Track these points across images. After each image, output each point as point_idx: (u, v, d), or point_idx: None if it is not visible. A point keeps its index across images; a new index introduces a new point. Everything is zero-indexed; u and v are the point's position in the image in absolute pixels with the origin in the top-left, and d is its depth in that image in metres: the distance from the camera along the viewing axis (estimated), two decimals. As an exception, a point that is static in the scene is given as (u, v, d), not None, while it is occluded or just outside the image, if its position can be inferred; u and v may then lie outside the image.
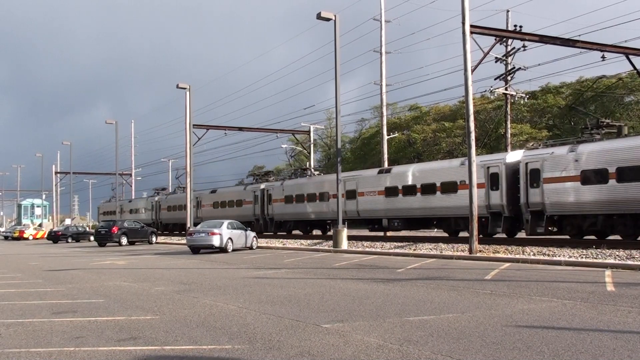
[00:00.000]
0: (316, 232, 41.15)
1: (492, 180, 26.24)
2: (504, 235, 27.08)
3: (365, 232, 35.26)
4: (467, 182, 21.89)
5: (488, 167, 26.46)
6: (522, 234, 26.98)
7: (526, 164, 25.20)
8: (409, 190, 30.45)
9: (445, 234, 30.90)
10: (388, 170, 32.98)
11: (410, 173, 30.96)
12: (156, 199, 61.33)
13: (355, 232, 34.94)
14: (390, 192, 31.53)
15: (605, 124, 25.76)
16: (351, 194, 33.81)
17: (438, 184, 28.75)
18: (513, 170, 25.94)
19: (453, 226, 29.51)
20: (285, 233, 40.73)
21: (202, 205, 50.87)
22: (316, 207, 37.20)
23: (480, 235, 23.89)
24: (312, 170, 42.77)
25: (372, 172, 34.70)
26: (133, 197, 73.09)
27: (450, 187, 28.16)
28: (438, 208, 28.93)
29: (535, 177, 24.74)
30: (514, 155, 26.79)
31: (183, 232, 45.21)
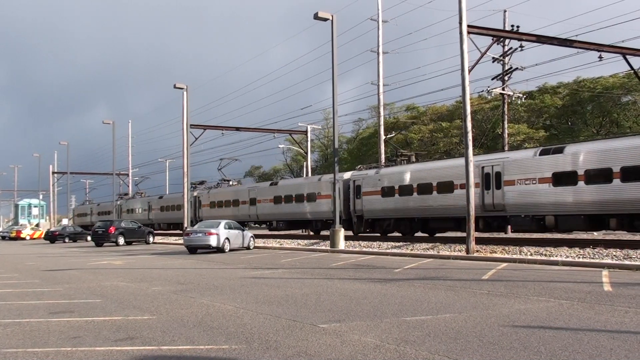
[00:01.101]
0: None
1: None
2: (503, 235, 27.56)
3: (362, 233, 35.30)
4: (322, 193, 36.23)
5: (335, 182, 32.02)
6: (515, 235, 27.04)
7: (353, 181, 34.58)
8: (288, 199, 40.13)
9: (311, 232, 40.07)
10: (275, 184, 44.63)
11: (289, 185, 41.95)
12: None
13: (350, 234, 35.02)
14: (277, 200, 41.26)
15: (400, 153, 36.27)
16: (253, 201, 44.29)
17: (305, 194, 38.45)
18: (346, 186, 34.77)
19: (314, 226, 39.10)
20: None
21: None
22: (234, 211, 46.47)
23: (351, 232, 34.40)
24: (233, 181, 52.58)
25: (266, 184, 46.73)
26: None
27: (310, 197, 37.98)
28: (302, 213, 38.72)
29: (358, 191, 33.96)
30: (347, 175, 36.01)
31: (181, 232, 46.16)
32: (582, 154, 23.35)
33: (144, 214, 61.42)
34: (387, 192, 31.96)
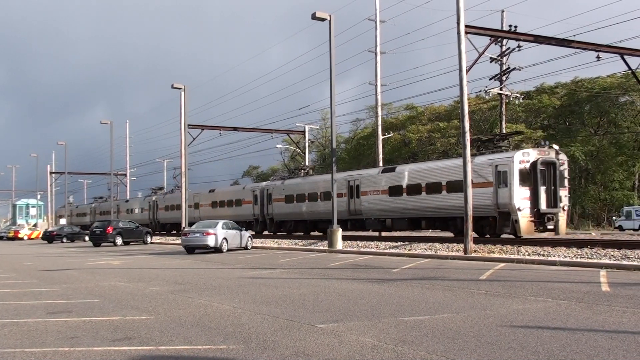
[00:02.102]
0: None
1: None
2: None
3: (361, 233, 35.42)
4: (245, 199, 45.21)
5: (253, 190, 44.93)
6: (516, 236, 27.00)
7: (267, 189, 42.58)
8: (222, 204, 48.67)
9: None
10: (213, 190, 52.01)
11: (224, 192, 50.20)
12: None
13: (350, 233, 35.04)
14: (214, 205, 49.60)
15: (300, 167, 44.50)
16: (197, 205, 51.72)
17: (234, 200, 46.76)
18: (262, 193, 42.99)
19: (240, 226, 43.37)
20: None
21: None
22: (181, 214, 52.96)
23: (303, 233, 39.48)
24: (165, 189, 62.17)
25: (206, 190, 53.88)
26: (127, 198, 72.93)
27: (237, 203, 45.98)
28: (233, 215, 43.05)
29: (270, 198, 41.95)
30: (264, 184, 44.83)
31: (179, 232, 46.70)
32: (405, 173, 31.35)
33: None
34: (288, 199, 40.16)
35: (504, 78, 36.67)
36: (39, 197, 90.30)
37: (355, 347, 6.98)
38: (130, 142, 76.93)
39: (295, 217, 39.93)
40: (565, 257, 18.55)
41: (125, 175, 76.15)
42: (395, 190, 31.55)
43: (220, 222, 28.55)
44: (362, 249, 25.92)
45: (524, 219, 25.64)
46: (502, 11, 36.39)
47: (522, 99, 40.57)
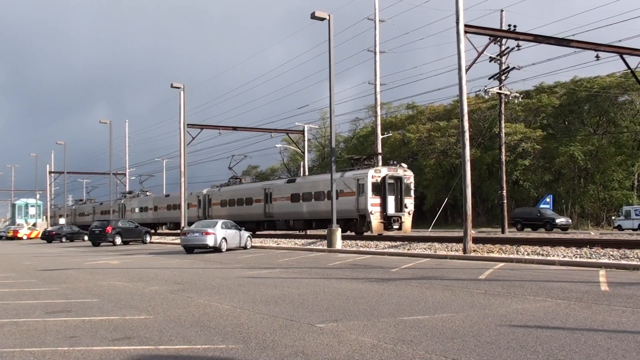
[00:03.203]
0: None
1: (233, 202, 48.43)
2: (501, 235, 28.12)
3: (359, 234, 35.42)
4: (193, 203, 51.97)
5: (198, 195, 52.98)
6: (513, 235, 27.09)
7: (208, 195, 51.15)
8: (170, 207, 57.33)
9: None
10: (168, 195, 59.89)
11: (172, 197, 57.08)
12: (205, 191, 62.22)
13: (350, 232, 35.08)
14: (169, 207, 57.98)
15: (234, 176, 51.42)
16: (155, 208, 61.64)
17: (178, 204, 49.99)
18: (204, 198, 51.43)
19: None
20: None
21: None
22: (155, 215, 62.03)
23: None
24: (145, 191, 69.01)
25: (162, 195, 62.71)
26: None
27: (177, 207, 49.80)
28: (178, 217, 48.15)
29: (210, 202, 50.19)
30: (205, 190, 52.31)
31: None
32: (302, 183, 40.36)
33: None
34: (223, 203, 48.39)
35: (503, 77, 36.70)
36: (38, 196, 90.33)
37: (354, 347, 6.98)
38: (130, 141, 77.05)
39: (233, 219, 44.79)
40: (564, 256, 18.56)
41: (125, 174, 76.10)
42: (295, 197, 40.11)
43: (220, 222, 28.54)
44: (361, 249, 25.93)
45: (375, 220, 33.78)
46: (502, 11, 36.41)
47: (521, 98, 40.62)
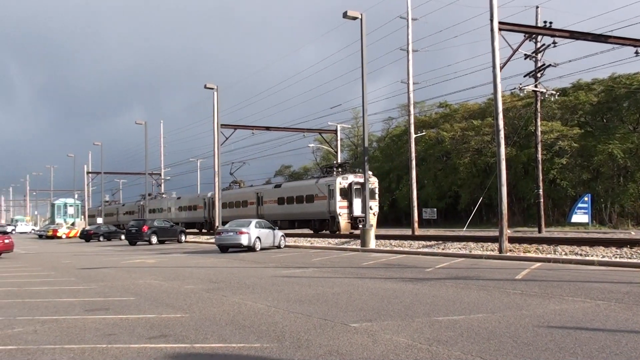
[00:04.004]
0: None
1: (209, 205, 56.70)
2: (537, 235, 27.66)
3: (393, 232, 35.33)
4: (183, 205, 64.24)
5: (203, 198, 59.48)
6: (549, 234, 26.65)
7: (210, 197, 55.04)
8: (185, 208, 63.82)
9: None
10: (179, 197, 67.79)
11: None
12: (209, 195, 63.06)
13: (383, 232, 34.95)
14: (183, 208, 64.51)
15: (234, 181, 57.34)
16: (159, 210, 68.63)
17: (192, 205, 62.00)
18: (208, 200, 56.50)
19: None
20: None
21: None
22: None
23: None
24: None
25: (129, 203, 75.34)
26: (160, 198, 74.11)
27: (190, 208, 61.84)
28: (180, 219, 59.42)
29: (213, 204, 48.30)
30: (209, 194, 56.20)
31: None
32: (286, 188, 47.00)
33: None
34: (224, 205, 49.93)
35: (538, 75, 36.08)
36: (76, 196, 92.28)
37: (389, 347, 6.95)
38: (165, 142, 77.93)
39: (229, 219, 49.48)
40: (603, 256, 18.18)
41: (160, 174, 77.17)
42: (281, 201, 46.34)
43: (254, 221, 28.71)
44: (395, 248, 25.80)
45: (343, 220, 39.70)
46: (537, 7, 35.78)
47: (558, 95, 39.87)
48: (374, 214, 39.68)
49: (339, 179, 39.94)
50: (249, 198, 51.36)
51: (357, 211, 39.73)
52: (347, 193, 39.92)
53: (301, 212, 43.35)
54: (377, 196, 41.68)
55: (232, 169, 56.35)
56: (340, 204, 39.62)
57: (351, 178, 40.40)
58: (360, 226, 37.11)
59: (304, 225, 44.17)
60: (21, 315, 10.20)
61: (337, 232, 39.27)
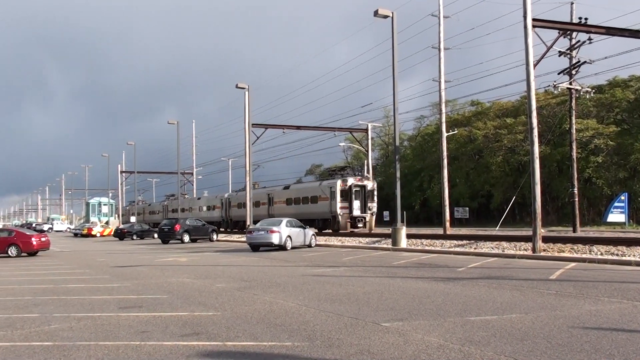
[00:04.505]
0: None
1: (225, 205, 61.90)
2: (572, 234, 27.22)
3: (425, 231, 35.05)
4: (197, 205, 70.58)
5: (221, 198, 63.64)
6: (585, 234, 26.15)
7: (228, 198, 61.35)
8: (206, 208, 68.10)
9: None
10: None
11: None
12: (226, 195, 63.77)
13: (415, 231, 34.70)
14: (204, 208, 68.34)
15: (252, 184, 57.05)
16: (179, 210, 68.84)
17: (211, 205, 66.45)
18: (225, 201, 61.57)
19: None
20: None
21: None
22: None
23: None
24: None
25: (154, 204, 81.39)
26: (195, 196, 74.97)
27: (209, 208, 66.29)
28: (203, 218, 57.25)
29: (230, 204, 60.33)
30: (226, 195, 62.44)
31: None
32: (295, 190, 49.76)
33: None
34: (239, 205, 56.06)
35: (573, 72, 35.41)
36: (110, 195, 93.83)
37: (420, 347, 6.90)
38: (197, 141, 78.73)
39: (241, 218, 53.65)
40: (641, 257, 17.76)
41: (192, 174, 77.98)
42: (289, 201, 49.57)
43: (285, 220, 28.80)
44: (426, 247, 25.63)
45: (343, 220, 42.78)
46: (572, 3, 35.13)
47: (593, 93, 39.09)
48: (372, 213, 43.94)
49: (339, 182, 43.40)
50: (261, 199, 53.82)
51: (357, 211, 43.46)
52: (347, 194, 43.24)
53: (307, 212, 45.99)
54: (375, 198, 45.01)
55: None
56: (341, 205, 42.96)
57: (351, 181, 43.88)
58: (360, 225, 43.49)
59: (310, 224, 45.24)
60: (57, 312, 10.41)
61: (338, 230, 42.09)
